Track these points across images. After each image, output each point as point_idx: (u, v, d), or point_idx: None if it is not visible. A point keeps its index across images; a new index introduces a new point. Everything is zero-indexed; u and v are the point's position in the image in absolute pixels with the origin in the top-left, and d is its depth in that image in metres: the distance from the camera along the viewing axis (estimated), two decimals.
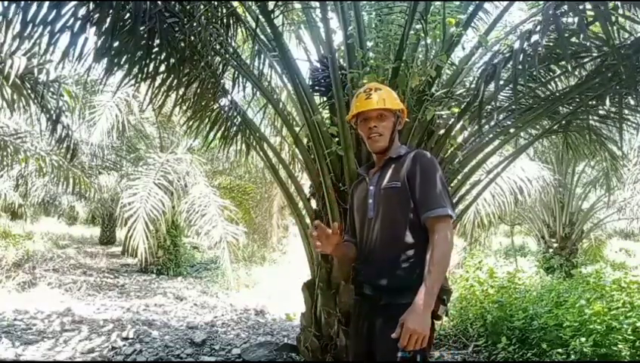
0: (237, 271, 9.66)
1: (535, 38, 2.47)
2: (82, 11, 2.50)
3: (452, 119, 3.21)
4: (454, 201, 3.49)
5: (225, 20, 3.21)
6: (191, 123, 3.93)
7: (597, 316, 3.47)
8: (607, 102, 3.52)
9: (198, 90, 3.52)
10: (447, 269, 1.78)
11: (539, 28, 2.43)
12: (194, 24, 2.86)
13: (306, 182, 4.66)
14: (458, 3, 3.52)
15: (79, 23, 2.48)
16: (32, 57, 4.22)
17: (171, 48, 2.92)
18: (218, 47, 3.29)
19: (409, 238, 1.85)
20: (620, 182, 7.48)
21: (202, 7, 2.94)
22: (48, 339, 4.49)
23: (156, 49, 2.91)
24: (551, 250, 9.64)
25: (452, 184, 3.42)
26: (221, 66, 3.55)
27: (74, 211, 16.65)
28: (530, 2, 4.68)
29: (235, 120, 3.95)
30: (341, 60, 3.24)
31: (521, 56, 2.43)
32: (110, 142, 9.49)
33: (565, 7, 2.42)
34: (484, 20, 4.15)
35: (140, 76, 3.04)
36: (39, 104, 4.68)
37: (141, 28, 2.68)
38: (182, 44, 2.96)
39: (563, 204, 9.52)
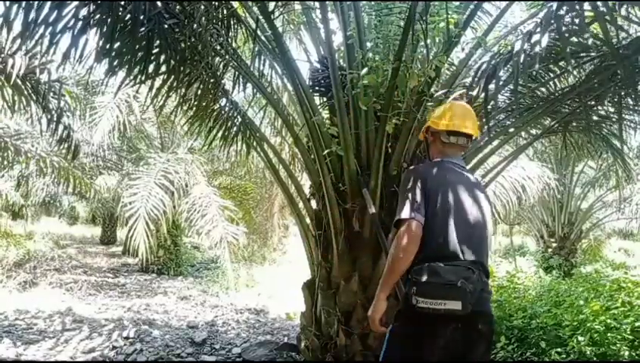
0: (237, 270, 9.68)
1: (534, 38, 2.48)
2: (83, 12, 2.51)
3: None
4: None
5: (225, 21, 3.23)
6: (191, 123, 3.95)
7: (595, 315, 3.48)
8: (607, 102, 3.54)
9: (199, 90, 3.54)
10: (394, 268, 1.93)
11: (538, 29, 2.44)
12: (194, 25, 2.88)
13: (305, 182, 4.67)
14: (457, 3, 3.52)
15: (79, 24, 2.49)
16: (34, 57, 4.23)
17: (171, 49, 2.94)
18: (218, 48, 3.31)
19: None
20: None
21: (202, 8, 2.95)
22: (49, 338, 4.50)
23: (156, 50, 2.92)
24: (550, 250, 9.65)
25: None
26: (221, 67, 3.57)
27: (75, 211, 16.66)
28: (530, 2, 4.69)
29: (236, 120, 3.96)
30: (341, 61, 3.25)
31: (521, 57, 2.44)
32: (110, 142, 9.49)
33: (565, 7, 2.43)
34: (485, 20, 4.16)
35: (140, 76, 3.05)
36: (41, 105, 4.69)
37: (141, 29, 2.69)
38: (182, 45, 2.97)
39: (562, 204, 9.53)
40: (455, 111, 2.17)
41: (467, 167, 3.17)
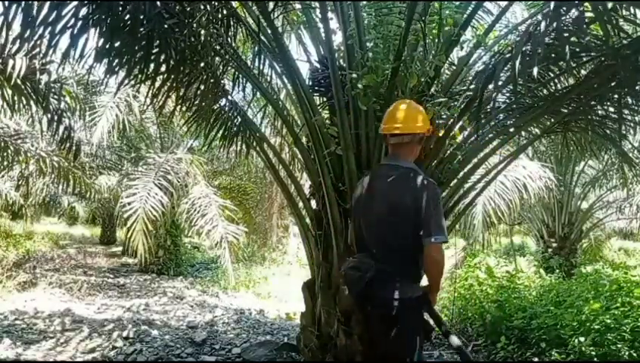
0: (237, 270, 9.67)
1: (535, 39, 2.47)
2: (83, 12, 2.51)
3: (452, 119, 3.22)
4: (453, 201, 3.51)
5: (225, 21, 3.22)
6: (191, 123, 3.94)
7: (595, 315, 3.48)
8: (607, 102, 3.53)
9: (198, 90, 3.53)
10: None
11: (538, 29, 2.44)
12: (194, 25, 2.87)
13: (305, 182, 4.67)
14: (457, 3, 3.52)
15: (79, 23, 2.49)
16: (34, 58, 4.23)
17: (171, 48, 2.93)
18: (218, 47, 3.31)
19: None
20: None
21: (202, 7, 2.95)
22: (49, 338, 4.50)
23: (156, 50, 2.91)
24: (550, 250, 9.63)
25: (451, 184, 3.43)
26: (221, 67, 3.56)
27: (74, 211, 16.65)
28: (530, 2, 4.69)
29: (235, 120, 3.96)
30: (341, 61, 3.25)
31: (520, 57, 2.44)
32: (110, 142, 9.49)
33: (564, 7, 2.43)
34: (486, 19, 4.15)
35: (140, 76, 3.05)
36: (41, 105, 4.68)
37: (141, 29, 2.69)
38: (182, 45, 2.97)
39: (562, 204, 9.51)
40: (387, 114, 2.39)
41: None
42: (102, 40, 2.61)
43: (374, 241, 2.26)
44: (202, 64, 3.16)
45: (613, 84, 3.16)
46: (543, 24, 2.42)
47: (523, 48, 2.46)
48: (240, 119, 3.94)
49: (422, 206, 2.12)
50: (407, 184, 2.21)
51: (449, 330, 2.26)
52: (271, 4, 3.14)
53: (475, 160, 3.52)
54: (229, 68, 3.67)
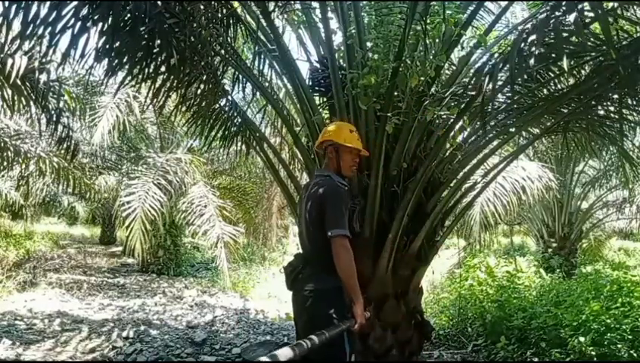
0: (237, 270, 9.68)
1: (533, 38, 2.47)
2: (84, 11, 2.51)
3: (452, 119, 3.22)
4: (452, 201, 3.51)
5: (225, 21, 3.22)
6: (191, 123, 3.94)
7: (595, 315, 3.48)
8: (607, 102, 3.53)
9: (198, 90, 3.53)
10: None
11: (537, 29, 2.43)
12: (194, 25, 2.87)
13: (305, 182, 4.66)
14: (457, 3, 3.52)
15: (79, 23, 2.49)
16: (33, 57, 4.22)
17: (171, 48, 2.93)
18: (218, 47, 3.31)
19: None
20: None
21: (202, 7, 2.95)
22: (49, 338, 4.50)
23: (156, 50, 2.91)
24: (550, 250, 9.63)
25: (451, 184, 3.43)
26: (221, 67, 3.56)
27: (74, 211, 16.65)
28: (530, 2, 4.69)
29: (235, 120, 3.96)
30: (341, 61, 3.25)
31: (516, 58, 2.43)
32: (110, 142, 9.48)
33: (564, 7, 2.43)
34: (486, 19, 4.15)
35: (141, 76, 3.05)
36: (40, 105, 4.68)
37: (141, 29, 2.69)
38: (182, 45, 2.97)
39: (562, 204, 9.52)
40: None
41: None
42: (102, 40, 2.60)
43: (302, 241, 2.63)
44: (202, 64, 3.16)
45: (613, 84, 3.16)
46: (540, 25, 2.41)
47: (522, 47, 2.45)
48: (240, 119, 3.94)
49: (324, 206, 2.41)
50: (318, 189, 2.50)
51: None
52: (271, 4, 3.14)
53: (475, 160, 3.52)
54: (229, 68, 3.67)
